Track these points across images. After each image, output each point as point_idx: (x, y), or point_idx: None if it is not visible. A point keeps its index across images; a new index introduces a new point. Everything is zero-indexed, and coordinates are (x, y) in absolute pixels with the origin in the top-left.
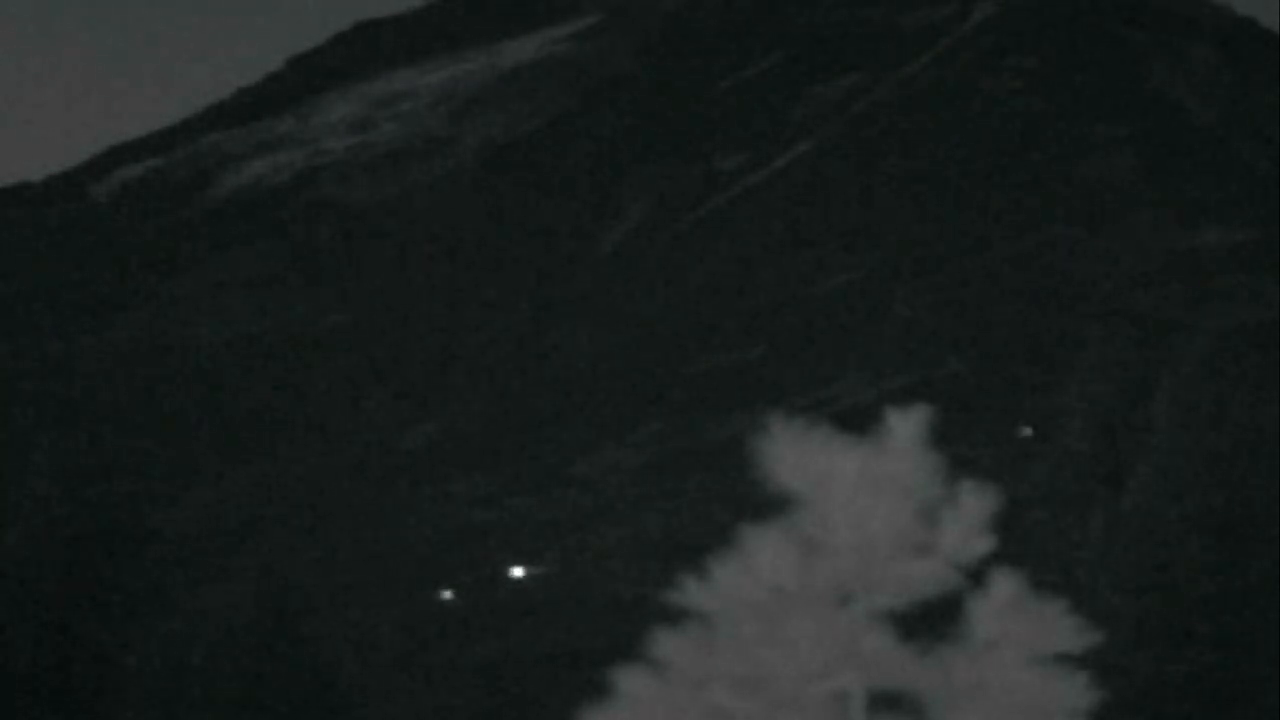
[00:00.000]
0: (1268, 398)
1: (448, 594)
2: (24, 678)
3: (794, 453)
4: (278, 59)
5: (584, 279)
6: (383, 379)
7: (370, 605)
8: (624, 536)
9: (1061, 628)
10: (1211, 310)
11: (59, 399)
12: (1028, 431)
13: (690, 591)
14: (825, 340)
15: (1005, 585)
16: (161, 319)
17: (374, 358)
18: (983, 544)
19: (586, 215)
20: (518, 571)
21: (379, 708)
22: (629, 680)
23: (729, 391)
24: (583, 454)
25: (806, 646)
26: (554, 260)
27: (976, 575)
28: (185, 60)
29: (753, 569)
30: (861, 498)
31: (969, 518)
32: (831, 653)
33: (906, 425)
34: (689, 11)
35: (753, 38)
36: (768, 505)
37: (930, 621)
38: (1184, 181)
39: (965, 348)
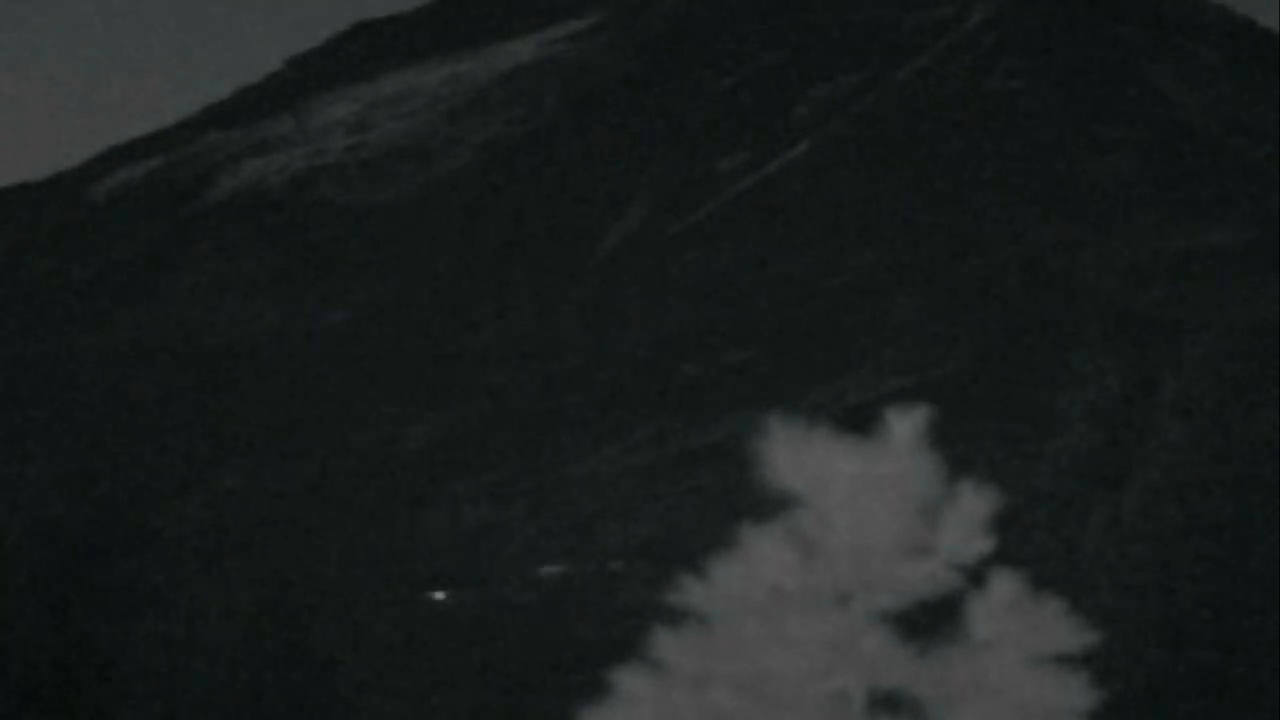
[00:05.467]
0: (1268, 398)
1: (447, 594)
2: (24, 677)
3: (794, 453)
4: (277, 59)
5: (584, 279)
6: (383, 379)
7: (370, 605)
8: (624, 536)
9: (1061, 628)
10: (1211, 310)
11: (59, 399)
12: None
13: (690, 592)
14: (825, 340)
15: (1005, 585)
16: (161, 319)
17: (374, 358)
18: (983, 544)
19: (586, 215)
20: (517, 572)
21: (379, 708)
22: (629, 680)
23: (729, 391)
24: (583, 454)
25: (806, 646)
26: (554, 260)
27: (976, 575)
28: (185, 60)
29: (752, 569)
30: (861, 498)
31: (969, 518)
32: (831, 653)
33: (906, 425)
34: (689, 11)
35: (753, 38)
36: (768, 505)
37: (930, 621)
38: (1184, 181)
39: (965, 348)
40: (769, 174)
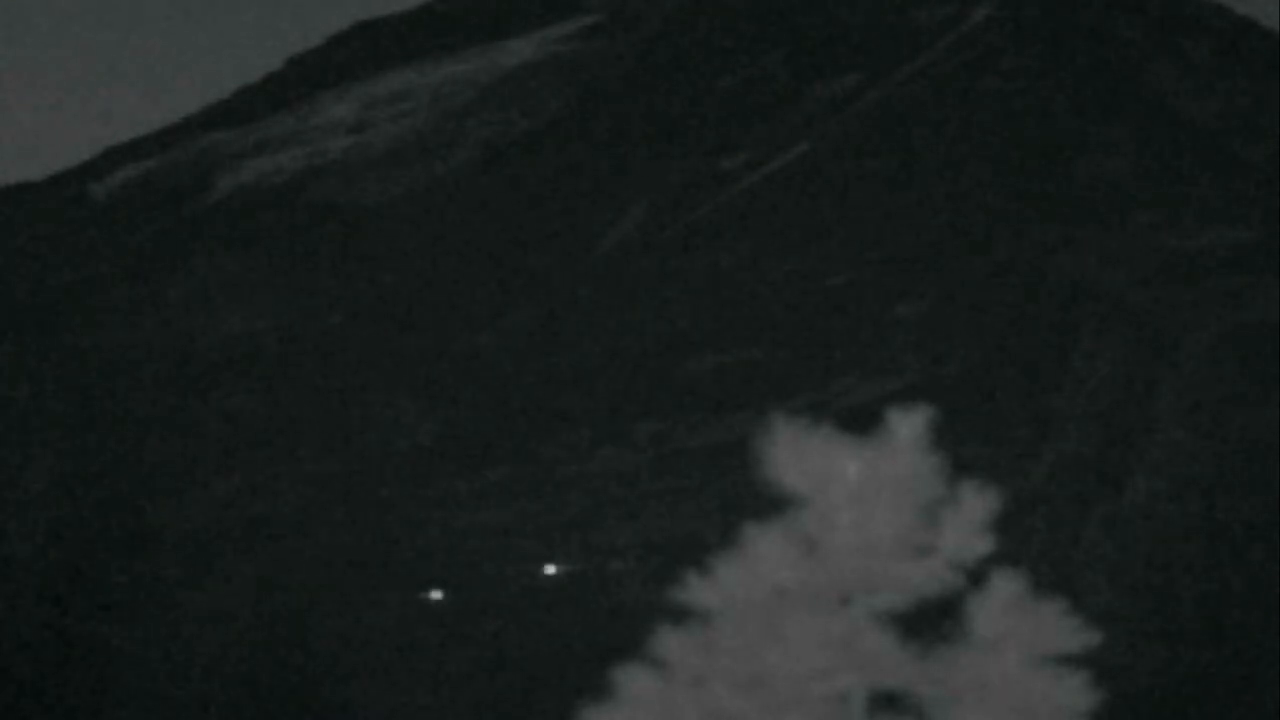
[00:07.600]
0: (1267, 398)
1: (446, 594)
2: (24, 677)
3: (794, 453)
4: (277, 59)
5: (584, 279)
6: (382, 379)
7: (370, 605)
8: (624, 536)
9: (1061, 628)
10: (1211, 310)
11: (59, 399)
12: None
13: (691, 591)
14: (825, 340)
15: (1005, 585)
16: (162, 319)
17: (374, 358)
18: (983, 544)
19: (586, 215)
20: (517, 572)
21: (378, 706)
22: (629, 680)
23: (729, 391)
24: (583, 454)
25: (806, 646)
26: (554, 260)
27: (976, 575)
28: (185, 60)
29: (753, 569)
30: (861, 498)
31: (969, 518)
32: (831, 653)
33: (906, 425)
34: (689, 11)
35: (753, 38)
36: (768, 505)
37: (930, 621)
38: (1184, 181)
39: (965, 348)
40: (769, 174)
